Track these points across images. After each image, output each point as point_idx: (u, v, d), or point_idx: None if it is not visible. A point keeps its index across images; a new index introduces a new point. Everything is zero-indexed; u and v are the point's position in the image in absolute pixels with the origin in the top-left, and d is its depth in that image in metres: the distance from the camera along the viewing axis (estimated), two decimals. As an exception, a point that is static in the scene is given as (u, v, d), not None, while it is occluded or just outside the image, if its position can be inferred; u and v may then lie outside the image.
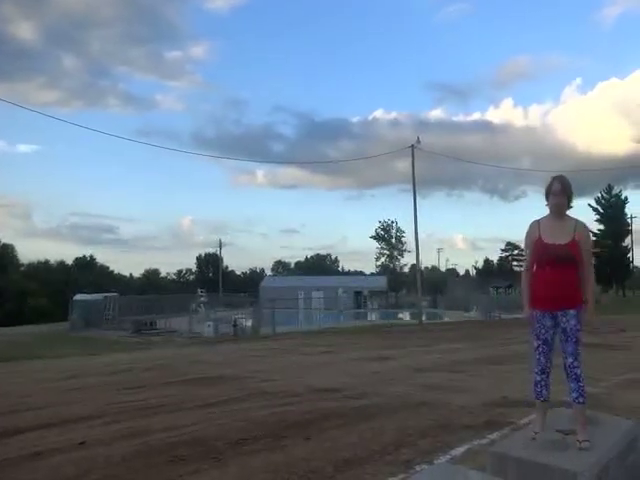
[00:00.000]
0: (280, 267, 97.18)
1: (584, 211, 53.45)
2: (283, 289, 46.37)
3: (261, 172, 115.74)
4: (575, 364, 3.11)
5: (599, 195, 54.07)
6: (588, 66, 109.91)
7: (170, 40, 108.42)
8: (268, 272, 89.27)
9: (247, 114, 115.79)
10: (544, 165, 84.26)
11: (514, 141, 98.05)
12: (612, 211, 52.72)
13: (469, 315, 30.63)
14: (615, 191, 53.77)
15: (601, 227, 52.02)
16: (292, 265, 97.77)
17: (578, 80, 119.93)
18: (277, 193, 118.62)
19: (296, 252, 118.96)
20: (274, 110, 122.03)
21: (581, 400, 3.10)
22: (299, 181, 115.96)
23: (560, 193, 3.21)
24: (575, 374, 3.11)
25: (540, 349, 3.21)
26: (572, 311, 3.12)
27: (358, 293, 52.00)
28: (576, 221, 3.25)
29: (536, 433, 3.15)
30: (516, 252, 77.18)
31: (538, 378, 3.23)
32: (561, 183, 3.23)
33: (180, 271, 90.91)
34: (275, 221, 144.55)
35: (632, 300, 45.45)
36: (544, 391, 3.22)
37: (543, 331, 3.19)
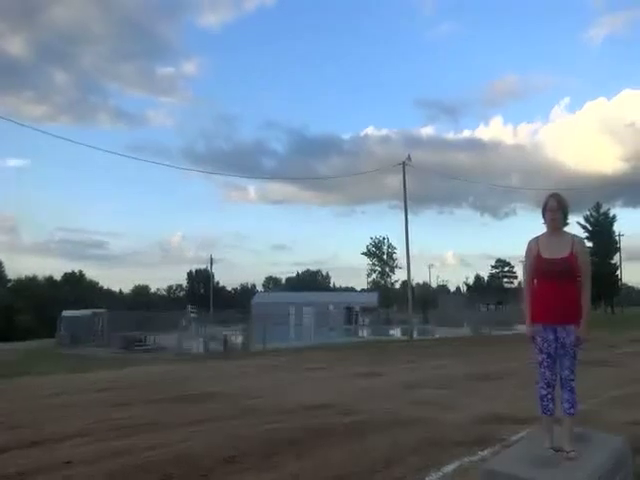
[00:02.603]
0: (271, 283, 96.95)
1: (573, 229, 54.02)
2: (274, 305, 45.93)
3: (252, 188, 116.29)
4: (571, 377, 3.19)
5: (588, 213, 54.80)
6: (576, 86, 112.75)
7: (161, 56, 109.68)
8: (259, 288, 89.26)
9: (238, 130, 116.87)
10: (533, 183, 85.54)
11: (504, 159, 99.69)
12: (600, 229, 53.33)
13: (460, 331, 30.60)
14: (603, 209, 54.53)
15: (590, 244, 52.53)
16: (283, 281, 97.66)
17: (566, 99, 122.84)
18: (268, 209, 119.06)
19: (287, 268, 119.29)
20: (265, 126, 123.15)
21: (572, 412, 3.17)
22: (290, 197, 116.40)
23: (556, 209, 3.29)
24: (570, 386, 3.18)
25: (545, 363, 3.24)
26: (571, 326, 3.17)
27: (349, 309, 51.84)
28: (573, 236, 3.34)
29: (549, 449, 3.14)
30: (507, 269, 77.71)
31: (544, 392, 3.24)
32: (557, 200, 3.31)
33: (170, 287, 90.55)
34: (266, 237, 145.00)
35: (620, 317, 45.76)
36: (550, 405, 3.22)
37: (546, 345, 3.23)
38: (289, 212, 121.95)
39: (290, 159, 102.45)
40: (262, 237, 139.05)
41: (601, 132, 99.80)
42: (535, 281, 3.33)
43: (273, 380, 10.31)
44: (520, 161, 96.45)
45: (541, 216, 3.38)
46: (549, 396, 3.23)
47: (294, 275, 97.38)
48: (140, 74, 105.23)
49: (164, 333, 25.19)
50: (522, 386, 7.49)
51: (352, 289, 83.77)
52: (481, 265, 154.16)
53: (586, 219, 54.53)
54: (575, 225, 53.58)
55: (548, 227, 3.33)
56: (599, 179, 79.35)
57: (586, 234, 53.12)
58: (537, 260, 3.28)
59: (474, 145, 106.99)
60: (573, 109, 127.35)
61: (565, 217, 3.32)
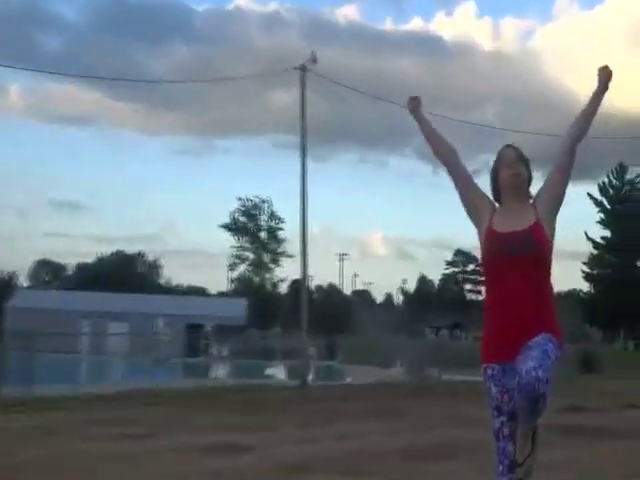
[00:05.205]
0: (46, 272, 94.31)
1: (581, 204, 56.76)
2: (50, 314, 45.04)
3: (15, 88, 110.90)
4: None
5: (605, 180, 58.38)
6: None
7: None
8: (23, 282, 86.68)
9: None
10: (521, 118, 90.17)
11: (475, 74, 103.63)
12: (626, 206, 56.09)
13: (389, 373, 31.93)
14: (630, 175, 58.14)
15: (606, 234, 56.28)
16: (70, 270, 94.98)
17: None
18: (46, 130, 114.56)
19: (79, 246, 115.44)
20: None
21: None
22: (91, 112, 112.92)
23: (516, 160, 3.57)
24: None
25: (505, 431, 3.34)
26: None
27: (194, 327, 51.88)
28: (536, 196, 3.63)
29: None
30: (470, 267, 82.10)
31: None
32: (514, 149, 3.65)
33: None
34: (40, 184, 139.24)
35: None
36: None
37: (507, 398, 3.32)
38: (87, 140, 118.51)
39: (93, 40, 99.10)
40: (33, 184, 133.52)
41: (632, 39, 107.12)
42: (487, 278, 3.60)
43: (47, 457, 10.09)
44: (501, 79, 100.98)
45: (490, 183, 3.71)
46: None
47: (93, 260, 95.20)
48: None
49: None
50: (489, 470, 8.00)
51: (201, 291, 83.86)
52: (430, 258, 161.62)
53: (602, 190, 57.98)
54: (584, 197, 56.26)
55: (508, 191, 3.57)
56: (628, 119, 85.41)
57: (601, 215, 56.83)
58: (488, 236, 3.52)
59: (427, 46, 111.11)
60: (590, 3, 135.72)
61: (530, 177, 3.63)
